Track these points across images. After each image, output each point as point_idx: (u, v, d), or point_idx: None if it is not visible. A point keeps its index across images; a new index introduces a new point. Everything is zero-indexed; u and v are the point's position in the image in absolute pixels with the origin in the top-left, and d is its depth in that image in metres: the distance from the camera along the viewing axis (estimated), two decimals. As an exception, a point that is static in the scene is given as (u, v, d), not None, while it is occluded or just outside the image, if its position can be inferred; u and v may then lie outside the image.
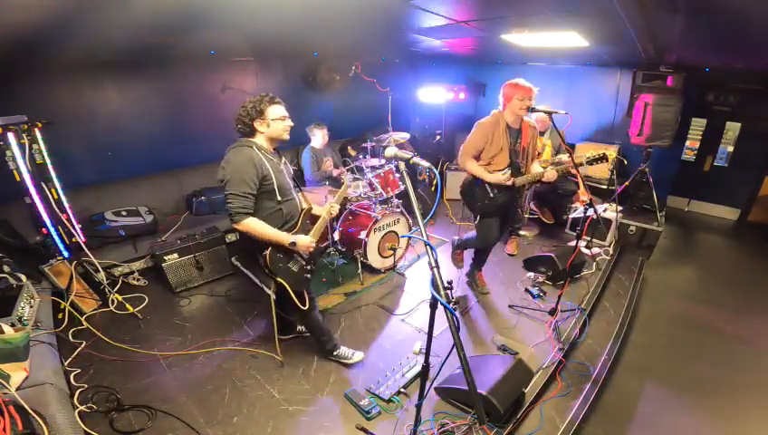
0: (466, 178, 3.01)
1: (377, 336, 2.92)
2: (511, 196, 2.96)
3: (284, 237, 2.10)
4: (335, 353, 2.61)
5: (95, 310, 3.07)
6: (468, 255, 3.58)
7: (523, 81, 2.67)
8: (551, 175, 2.83)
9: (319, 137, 4.35)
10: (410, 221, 3.77)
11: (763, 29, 2.23)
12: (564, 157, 4.02)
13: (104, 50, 3.15)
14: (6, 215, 3.15)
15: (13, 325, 2.20)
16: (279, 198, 2.13)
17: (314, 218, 2.36)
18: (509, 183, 2.80)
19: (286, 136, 2.15)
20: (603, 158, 2.77)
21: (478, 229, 3.12)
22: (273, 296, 2.45)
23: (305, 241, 2.18)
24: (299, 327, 2.87)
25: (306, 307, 2.33)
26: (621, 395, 2.61)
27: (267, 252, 2.14)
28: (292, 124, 2.16)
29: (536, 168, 2.95)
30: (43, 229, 3.02)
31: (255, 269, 2.91)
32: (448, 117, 5.86)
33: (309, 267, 2.31)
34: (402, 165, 1.56)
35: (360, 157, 4.42)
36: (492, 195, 2.88)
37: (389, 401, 2.32)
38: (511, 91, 2.67)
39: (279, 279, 2.18)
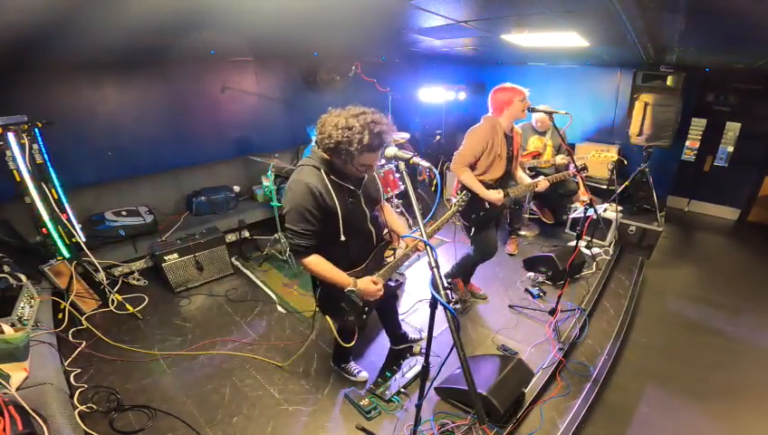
0: (463, 189, 2.82)
1: (377, 336, 2.92)
2: (503, 208, 2.91)
3: (345, 281, 1.83)
4: (342, 365, 2.54)
5: (95, 310, 3.07)
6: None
7: (512, 83, 2.66)
8: (543, 185, 2.84)
9: None
10: (410, 221, 3.78)
11: (764, 29, 2.23)
12: (560, 158, 4.01)
13: (104, 50, 3.15)
14: (6, 215, 3.15)
15: (13, 325, 2.20)
16: (343, 238, 1.78)
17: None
18: (500, 203, 2.72)
19: (358, 175, 1.80)
20: (584, 168, 2.81)
21: (477, 243, 2.93)
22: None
23: (370, 288, 1.87)
24: (411, 335, 2.75)
25: (349, 345, 2.23)
26: (621, 395, 2.61)
27: (320, 289, 1.95)
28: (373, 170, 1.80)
29: (525, 177, 2.96)
30: (43, 229, 3.02)
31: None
32: (448, 117, 5.86)
33: (367, 308, 2.02)
34: (402, 165, 1.55)
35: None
36: (488, 206, 2.76)
37: (389, 401, 2.32)
38: (509, 94, 2.63)
39: (326, 317, 2.02)
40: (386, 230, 2.08)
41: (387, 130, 1.63)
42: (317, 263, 1.80)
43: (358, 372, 2.51)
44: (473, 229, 2.86)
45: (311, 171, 1.72)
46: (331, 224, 1.76)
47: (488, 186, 2.75)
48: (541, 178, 2.87)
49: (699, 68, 4.41)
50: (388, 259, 2.06)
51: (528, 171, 4.04)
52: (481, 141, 2.66)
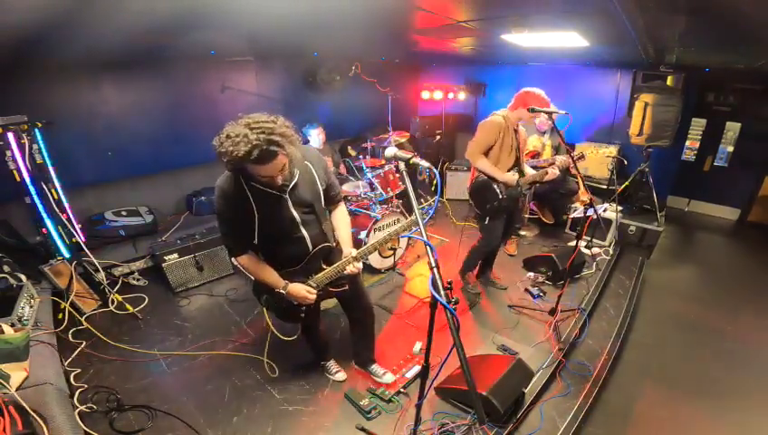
0: (477, 180, 3.02)
1: (377, 336, 2.92)
2: (517, 196, 3.02)
3: (276, 283, 1.83)
4: (322, 363, 2.55)
5: (95, 310, 3.07)
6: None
7: (545, 95, 2.77)
8: (553, 174, 2.99)
9: (314, 136, 4.16)
10: (410, 221, 3.78)
11: (764, 29, 2.23)
12: (560, 159, 4.02)
13: (104, 50, 3.14)
14: (6, 215, 3.15)
15: (13, 325, 2.21)
16: (256, 241, 1.76)
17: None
18: (515, 183, 2.90)
19: (278, 183, 1.65)
20: (582, 157, 3.15)
21: (484, 231, 3.14)
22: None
23: (299, 292, 1.83)
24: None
25: (290, 338, 2.28)
26: (621, 395, 2.61)
27: (254, 281, 1.95)
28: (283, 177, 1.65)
29: (531, 169, 3.12)
30: (43, 229, 3.02)
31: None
32: (448, 117, 5.86)
33: (303, 308, 1.96)
34: (402, 165, 1.55)
35: (360, 157, 4.41)
36: (501, 196, 2.92)
37: (389, 401, 2.32)
38: (535, 102, 2.74)
39: (264, 308, 2.02)
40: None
41: (280, 140, 1.47)
42: (247, 262, 1.84)
43: (336, 372, 2.51)
44: (487, 218, 3.04)
45: (228, 176, 1.68)
46: (251, 228, 1.73)
47: None
48: (550, 167, 3.02)
49: (699, 68, 4.41)
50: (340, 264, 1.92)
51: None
52: (494, 132, 2.85)
